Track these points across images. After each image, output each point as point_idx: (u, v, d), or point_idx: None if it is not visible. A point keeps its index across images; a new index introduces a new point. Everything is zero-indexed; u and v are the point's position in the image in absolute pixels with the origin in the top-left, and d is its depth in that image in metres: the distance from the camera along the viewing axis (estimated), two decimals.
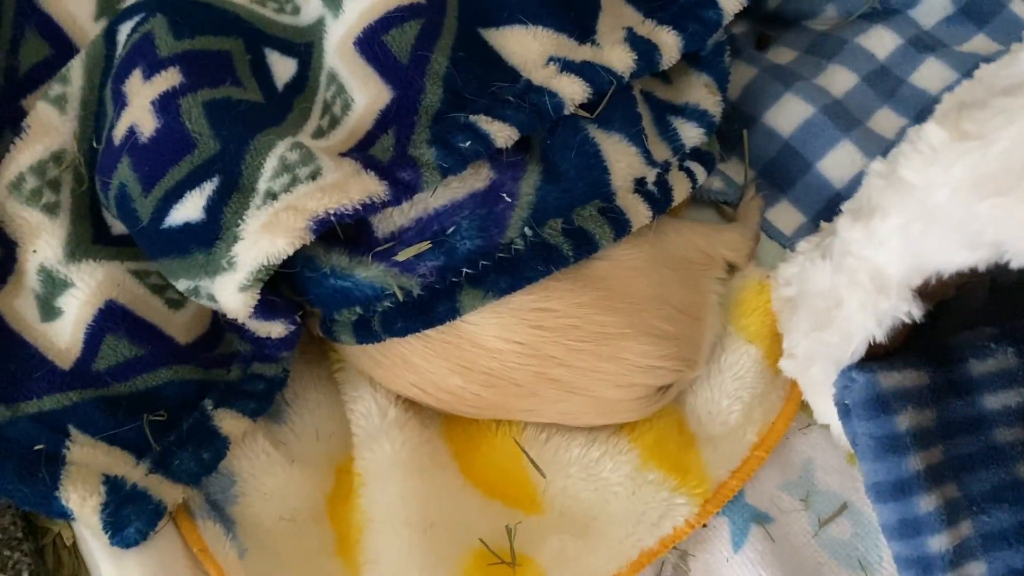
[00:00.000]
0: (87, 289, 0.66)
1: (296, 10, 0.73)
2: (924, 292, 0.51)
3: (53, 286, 0.66)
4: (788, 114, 0.80)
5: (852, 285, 0.53)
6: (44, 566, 0.64)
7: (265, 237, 0.58)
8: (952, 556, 0.55)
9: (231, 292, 0.59)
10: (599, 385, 0.65)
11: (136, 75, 0.67)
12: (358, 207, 0.58)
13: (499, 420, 0.70)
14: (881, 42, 0.84)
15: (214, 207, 0.60)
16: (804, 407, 0.70)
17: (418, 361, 0.65)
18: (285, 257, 0.58)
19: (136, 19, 0.71)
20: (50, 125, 0.71)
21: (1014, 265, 0.42)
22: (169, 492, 0.61)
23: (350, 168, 0.60)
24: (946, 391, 0.58)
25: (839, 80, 0.83)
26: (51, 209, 0.69)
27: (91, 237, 0.69)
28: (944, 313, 0.68)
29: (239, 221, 0.59)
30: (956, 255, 0.44)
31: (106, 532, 0.58)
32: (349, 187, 0.59)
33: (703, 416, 0.70)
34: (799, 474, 0.69)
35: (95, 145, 0.70)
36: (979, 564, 0.56)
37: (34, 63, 0.74)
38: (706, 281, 0.71)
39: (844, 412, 0.58)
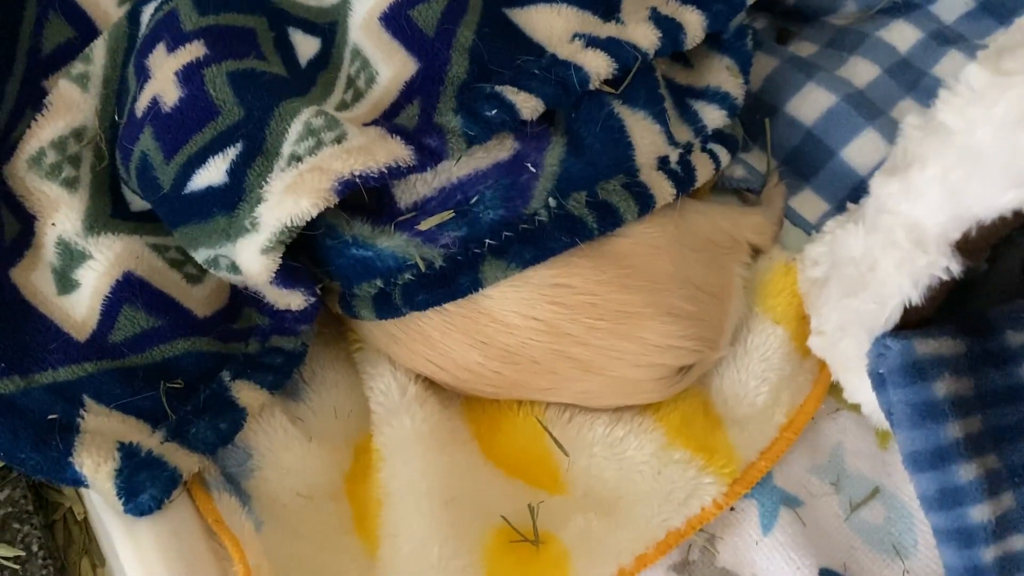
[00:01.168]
0: (105, 261, 0.65)
1: None
2: (962, 249, 0.50)
3: (71, 258, 0.66)
4: (811, 103, 0.80)
5: (887, 245, 0.52)
6: (54, 541, 0.62)
7: (289, 198, 0.57)
8: (995, 527, 0.53)
9: (253, 254, 0.58)
10: (617, 364, 0.63)
11: (160, 49, 0.67)
12: (383, 170, 0.58)
13: (520, 400, 0.68)
14: (902, 36, 0.84)
15: (237, 170, 0.60)
16: (833, 391, 0.69)
17: (437, 336, 0.63)
18: (309, 218, 0.57)
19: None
20: (72, 102, 0.71)
21: None
22: (185, 460, 0.59)
23: (375, 133, 0.60)
24: (983, 361, 0.57)
25: (861, 72, 0.82)
26: (70, 183, 0.68)
27: (110, 212, 0.69)
28: (977, 292, 0.67)
29: (263, 183, 0.59)
30: (1000, 197, 0.43)
31: (120, 498, 0.56)
32: (375, 150, 0.58)
33: (729, 398, 0.69)
34: (829, 458, 0.68)
35: (117, 120, 0.70)
36: (1022, 537, 0.54)
37: (57, 44, 0.74)
38: (731, 263, 0.70)
39: (879, 382, 0.57)
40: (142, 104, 0.66)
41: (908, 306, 0.54)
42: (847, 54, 0.84)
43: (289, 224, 0.57)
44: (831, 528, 0.65)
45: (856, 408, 0.67)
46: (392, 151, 0.58)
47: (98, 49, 0.73)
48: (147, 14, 0.72)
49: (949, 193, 0.46)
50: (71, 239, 0.66)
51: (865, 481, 0.67)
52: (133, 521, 0.57)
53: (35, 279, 0.66)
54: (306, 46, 0.70)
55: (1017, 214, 0.45)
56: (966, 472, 0.53)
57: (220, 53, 0.65)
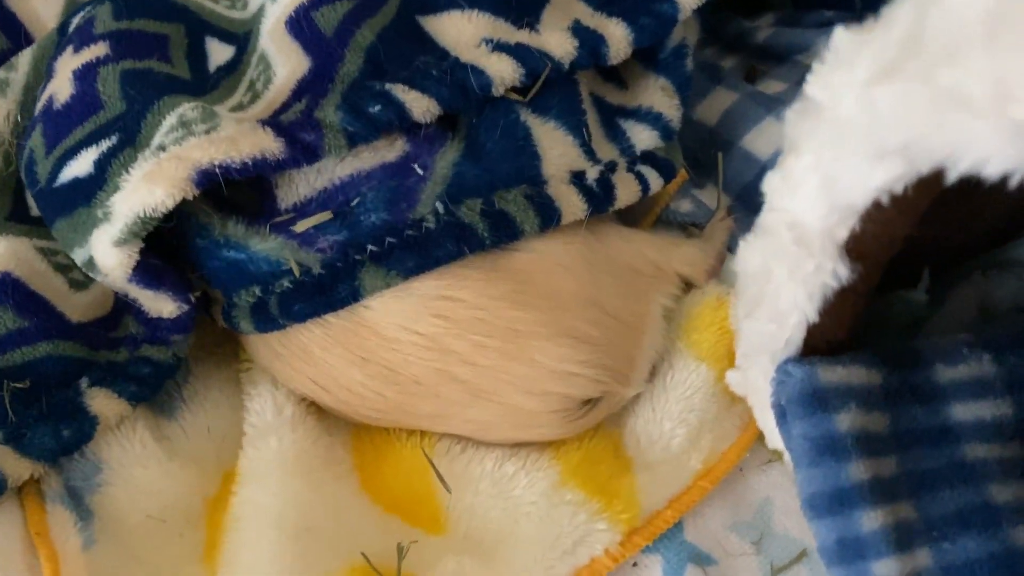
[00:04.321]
0: None
1: (245, 6, 0.72)
2: (852, 251, 0.43)
3: None
4: (768, 139, 0.75)
5: (777, 251, 0.46)
6: None
7: (144, 186, 0.53)
8: None
9: (106, 246, 0.54)
10: (507, 390, 0.57)
11: (68, 51, 0.66)
12: (247, 161, 0.54)
13: (410, 431, 0.62)
14: None
15: (103, 161, 0.57)
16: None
17: (318, 352, 0.58)
18: (165, 209, 0.53)
19: (87, 8, 0.71)
20: None
21: (925, 171, 0.34)
22: (14, 466, 0.54)
23: (246, 125, 0.56)
24: (904, 396, 0.49)
25: None
26: None
27: (6, 215, 0.66)
28: (926, 330, 0.59)
29: (123, 172, 0.55)
30: (869, 175, 0.37)
31: None
32: (240, 141, 0.55)
33: (643, 439, 0.61)
34: (754, 515, 0.60)
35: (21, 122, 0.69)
36: None
37: None
38: (651, 293, 0.64)
39: (780, 415, 0.50)
40: (40, 103, 0.64)
41: (809, 325, 0.47)
42: None
43: (143, 214, 0.53)
44: None
45: (781, 453, 0.59)
46: (258, 142, 0.55)
47: (24, 57, 0.72)
48: (74, 24, 0.71)
49: (823, 179, 0.40)
50: None
51: (792, 543, 0.58)
52: None
53: None
54: (220, 54, 0.68)
55: (900, 206, 0.39)
56: (870, 520, 0.45)
57: (120, 54, 0.63)
